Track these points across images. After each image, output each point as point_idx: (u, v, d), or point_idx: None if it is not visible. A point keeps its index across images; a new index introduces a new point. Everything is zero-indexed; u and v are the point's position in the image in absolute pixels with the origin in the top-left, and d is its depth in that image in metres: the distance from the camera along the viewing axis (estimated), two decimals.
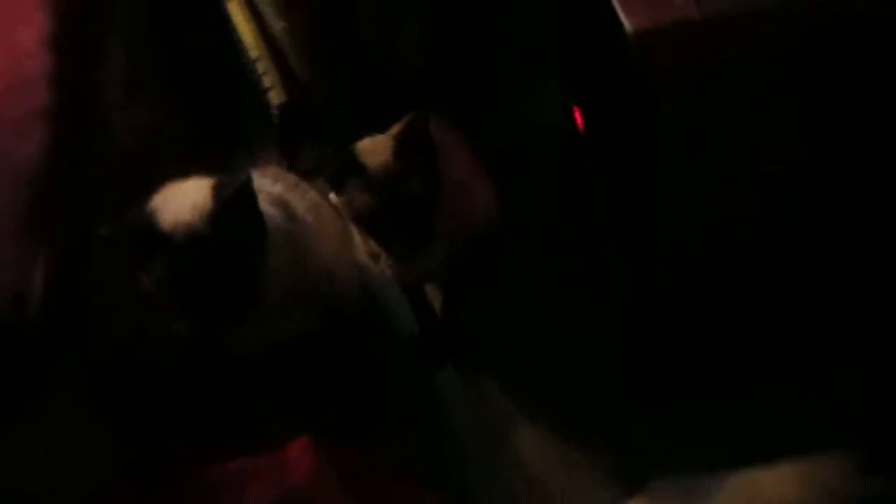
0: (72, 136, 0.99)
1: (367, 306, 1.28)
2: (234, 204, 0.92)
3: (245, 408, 1.20)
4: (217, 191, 0.92)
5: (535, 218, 1.40)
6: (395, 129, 1.03)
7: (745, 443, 1.06)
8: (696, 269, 1.05)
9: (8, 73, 0.99)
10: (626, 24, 0.80)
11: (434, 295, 1.32)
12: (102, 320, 0.98)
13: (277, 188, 1.12)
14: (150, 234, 0.89)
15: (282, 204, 1.10)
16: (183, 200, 0.92)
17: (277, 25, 1.44)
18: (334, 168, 1.04)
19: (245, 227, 0.94)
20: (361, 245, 1.14)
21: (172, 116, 1.33)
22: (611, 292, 1.24)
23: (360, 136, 1.06)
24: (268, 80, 1.51)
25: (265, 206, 1.01)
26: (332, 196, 1.07)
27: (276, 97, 1.49)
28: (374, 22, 1.38)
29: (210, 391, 1.16)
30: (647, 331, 1.16)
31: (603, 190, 1.24)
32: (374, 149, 1.02)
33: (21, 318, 0.84)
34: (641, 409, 1.19)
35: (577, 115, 1.26)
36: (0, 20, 1.04)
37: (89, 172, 1.00)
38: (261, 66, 1.52)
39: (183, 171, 0.99)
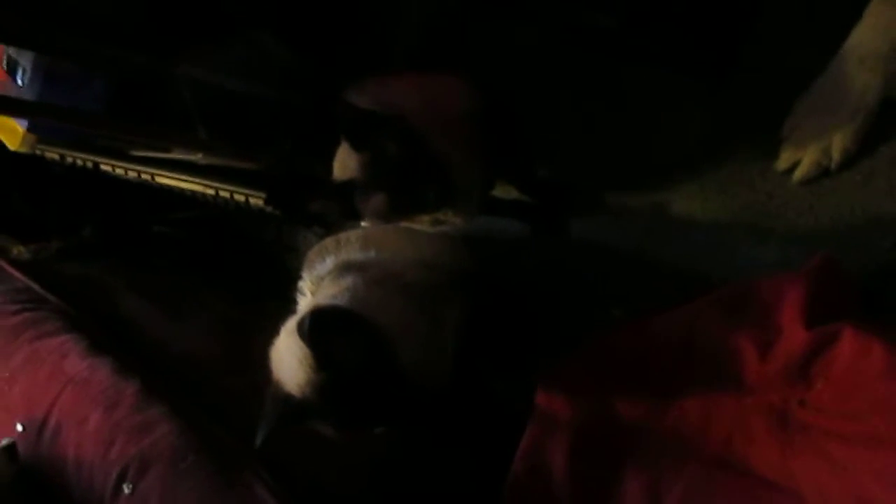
0: None
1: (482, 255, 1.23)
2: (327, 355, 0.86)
3: None
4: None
5: None
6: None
7: None
8: None
9: None
10: None
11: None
12: None
13: (329, 263, 1.10)
14: (293, 409, 0.89)
15: (349, 267, 1.07)
16: (287, 370, 0.90)
17: (196, 158, 1.43)
18: (338, 203, 1.02)
19: (352, 346, 0.87)
20: (423, 226, 1.10)
21: None
22: None
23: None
24: (239, 196, 1.50)
25: (339, 290, 0.97)
26: (363, 223, 1.05)
27: (256, 201, 1.48)
28: None
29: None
30: None
31: None
32: (342, 163, 0.99)
33: None
34: None
35: None
36: None
37: None
38: (224, 193, 1.50)
39: None
